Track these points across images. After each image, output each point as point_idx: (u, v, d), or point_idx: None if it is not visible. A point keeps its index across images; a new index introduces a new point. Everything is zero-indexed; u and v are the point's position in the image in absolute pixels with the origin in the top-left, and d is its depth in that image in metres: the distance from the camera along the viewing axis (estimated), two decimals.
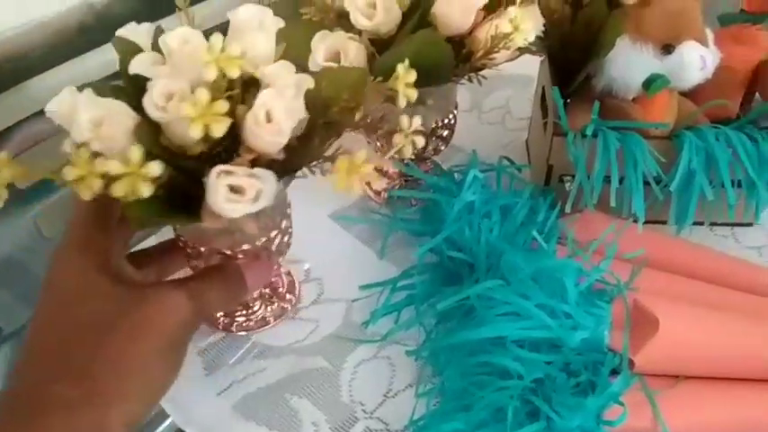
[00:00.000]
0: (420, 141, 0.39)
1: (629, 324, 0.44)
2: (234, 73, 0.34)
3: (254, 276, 0.43)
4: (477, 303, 0.45)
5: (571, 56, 0.56)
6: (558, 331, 0.43)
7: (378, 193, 0.62)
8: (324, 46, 0.48)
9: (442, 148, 0.59)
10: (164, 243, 0.45)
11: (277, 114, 0.36)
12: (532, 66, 0.62)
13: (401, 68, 0.40)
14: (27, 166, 0.35)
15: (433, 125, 0.57)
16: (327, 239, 0.59)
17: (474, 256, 0.49)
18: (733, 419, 0.44)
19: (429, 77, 0.48)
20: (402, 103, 0.39)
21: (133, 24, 0.42)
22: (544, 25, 0.51)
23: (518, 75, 0.71)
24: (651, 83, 0.51)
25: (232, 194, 0.36)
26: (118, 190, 0.33)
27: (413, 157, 0.57)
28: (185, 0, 0.41)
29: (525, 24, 0.44)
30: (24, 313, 0.60)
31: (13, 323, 0.60)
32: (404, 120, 0.39)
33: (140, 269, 0.41)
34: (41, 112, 0.37)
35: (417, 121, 0.39)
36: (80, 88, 0.38)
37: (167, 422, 0.61)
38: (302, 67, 0.40)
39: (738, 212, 0.54)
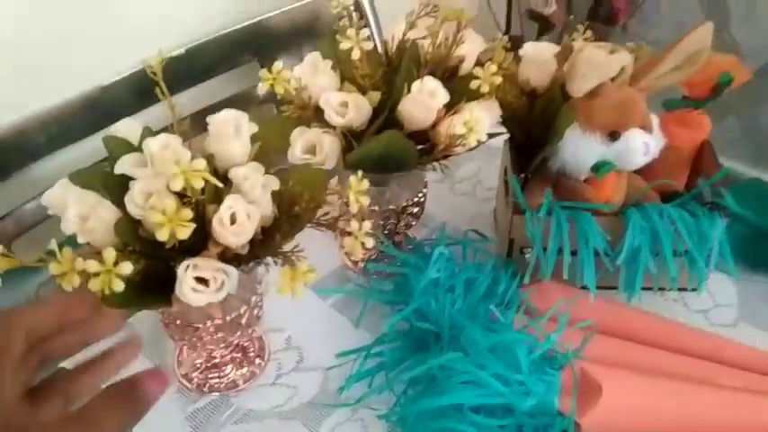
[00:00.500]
0: (369, 242, 0.45)
1: (576, 390, 0.49)
2: (198, 184, 0.39)
3: (154, 390, 0.40)
4: (439, 373, 0.50)
5: (530, 140, 0.62)
6: (511, 397, 0.48)
7: (355, 263, 0.67)
8: (302, 140, 0.53)
9: (413, 223, 0.64)
10: (68, 371, 0.42)
11: (241, 217, 0.42)
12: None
13: (353, 180, 0.45)
14: (18, 257, 0.40)
15: (405, 203, 0.62)
16: (306, 308, 0.63)
17: (439, 326, 0.54)
18: None
19: (396, 166, 0.54)
20: (354, 208, 0.44)
21: (126, 121, 0.48)
22: (504, 114, 0.57)
23: (489, 146, 0.76)
24: (599, 168, 0.56)
25: (198, 285, 0.42)
26: (94, 285, 0.38)
27: (386, 233, 0.63)
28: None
29: (479, 126, 0.50)
30: None
31: None
32: (354, 224, 0.44)
33: (44, 402, 0.39)
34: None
35: (367, 225, 0.45)
36: (72, 175, 0.44)
37: None
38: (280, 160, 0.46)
39: (684, 280, 0.59)
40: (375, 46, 0.55)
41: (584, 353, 0.52)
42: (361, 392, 0.56)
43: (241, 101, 0.77)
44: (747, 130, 0.96)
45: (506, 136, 0.64)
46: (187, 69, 0.72)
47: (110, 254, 0.39)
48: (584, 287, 0.58)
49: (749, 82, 0.61)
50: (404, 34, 0.58)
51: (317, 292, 0.65)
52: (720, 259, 0.59)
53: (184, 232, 0.40)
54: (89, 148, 0.67)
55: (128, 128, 0.47)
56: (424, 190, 0.63)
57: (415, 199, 0.62)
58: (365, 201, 0.46)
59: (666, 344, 0.57)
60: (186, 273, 0.42)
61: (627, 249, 0.56)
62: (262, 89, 0.52)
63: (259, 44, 0.77)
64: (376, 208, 0.61)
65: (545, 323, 0.54)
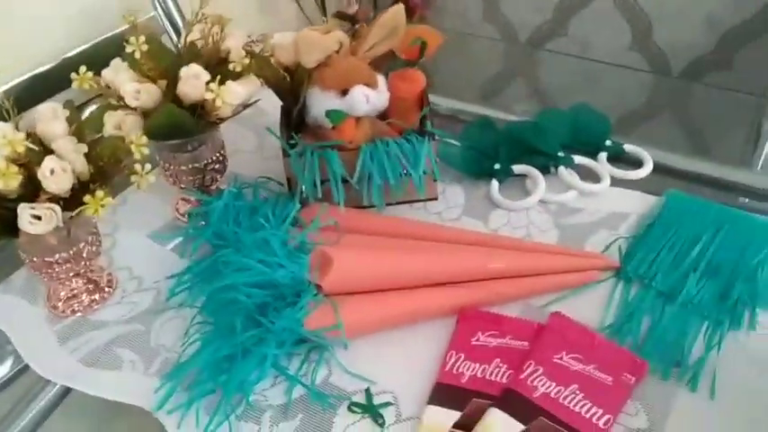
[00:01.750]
0: (151, 178, 0.67)
1: (318, 264, 0.71)
2: (20, 149, 0.60)
3: None
4: (222, 267, 0.72)
5: (295, 104, 0.84)
6: (272, 274, 0.70)
7: (183, 214, 0.88)
8: (110, 120, 0.75)
9: (219, 177, 0.86)
10: None
11: (57, 171, 0.63)
12: None
13: (134, 137, 0.67)
14: None
15: (207, 161, 0.83)
16: (149, 253, 0.84)
17: (229, 241, 0.76)
18: (384, 312, 0.71)
19: (181, 132, 0.76)
20: (136, 155, 0.66)
21: None
22: (271, 87, 0.80)
23: None
24: (331, 116, 0.79)
25: (34, 219, 0.63)
26: None
27: (196, 186, 0.85)
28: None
29: (225, 94, 0.72)
30: None
31: None
32: (137, 166, 0.66)
33: None
34: None
35: (148, 167, 0.66)
36: None
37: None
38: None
39: (431, 191, 0.82)
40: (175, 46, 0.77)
41: (328, 243, 0.74)
42: (182, 299, 0.77)
43: None
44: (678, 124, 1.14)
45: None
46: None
47: None
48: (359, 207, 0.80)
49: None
50: (185, 36, 0.80)
51: (154, 239, 0.86)
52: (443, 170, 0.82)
53: (15, 181, 0.62)
54: None
55: None
56: (223, 151, 0.85)
57: (215, 158, 0.84)
58: (145, 150, 0.67)
59: (403, 233, 0.81)
60: (24, 211, 0.64)
61: (359, 173, 0.79)
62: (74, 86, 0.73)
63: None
64: (185, 167, 0.83)
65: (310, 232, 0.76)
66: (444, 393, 0.65)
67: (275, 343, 0.67)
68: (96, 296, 0.78)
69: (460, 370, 0.67)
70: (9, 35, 0.88)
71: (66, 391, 0.72)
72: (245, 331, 0.67)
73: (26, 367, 0.73)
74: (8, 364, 0.75)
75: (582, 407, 0.62)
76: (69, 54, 0.94)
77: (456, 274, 0.74)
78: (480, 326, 0.70)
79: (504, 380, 0.65)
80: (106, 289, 0.79)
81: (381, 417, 0.65)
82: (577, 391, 0.63)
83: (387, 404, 0.66)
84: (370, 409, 0.66)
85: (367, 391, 0.67)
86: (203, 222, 0.83)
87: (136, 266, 0.83)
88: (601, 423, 0.61)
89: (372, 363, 0.69)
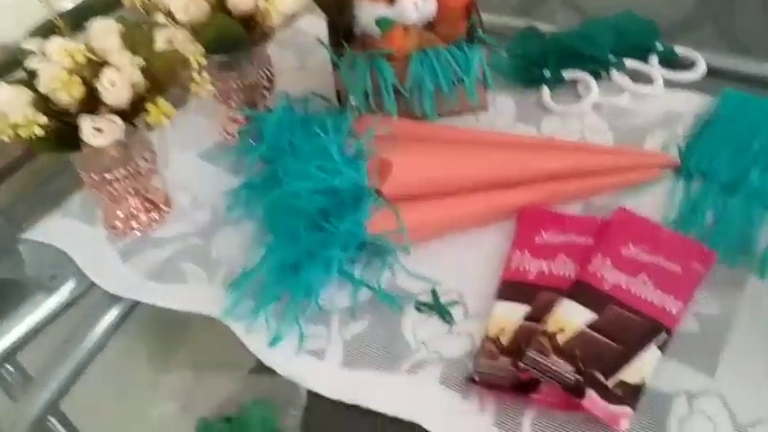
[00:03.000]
0: (209, 86, 0.66)
1: (377, 170, 0.71)
2: (80, 59, 0.60)
3: None
4: (282, 175, 0.72)
5: (341, 17, 0.83)
6: (331, 181, 0.70)
7: (231, 134, 0.88)
8: (161, 36, 0.74)
9: (267, 95, 0.86)
10: None
11: (118, 83, 0.63)
12: None
13: (193, 49, 0.66)
14: None
15: (254, 79, 0.83)
16: (202, 173, 0.85)
17: (284, 153, 0.76)
18: (445, 215, 0.71)
19: (233, 45, 0.75)
20: (194, 64, 0.66)
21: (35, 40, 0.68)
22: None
23: None
24: (380, 24, 0.78)
25: (96, 131, 0.63)
26: (24, 132, 0.59)
27: (246, 105, 0.84)
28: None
29: (278, 5, 0.71)
30: None
31: None
32: (196, 75, 0.66)
33: None
34: None
35: (207, 76, 0.66)
36: None
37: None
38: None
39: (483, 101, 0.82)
40: None
41: (385, 150, 0.74)
42: (240, 214, 0.77)
43: None
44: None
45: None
46: None
47: (28, 111, 0.60)
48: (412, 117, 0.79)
49: None
50: None
51: (205, 158, 0.86)
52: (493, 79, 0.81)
53: (78, 90, 0.62)
54: None
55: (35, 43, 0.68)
56: (270, 68, 0.85)
57: (263, 74, 0.83)
58: (203, 60, 0.67)
59: (461, 138, 0.80)
60: (86, 122, 0.64)
61: (411, 80, 0.78)
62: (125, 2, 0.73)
63: None
64: (234, 85, 0.82)
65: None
66: (512, 289, 0.65)
67: (339, 246, 0.68)
68: (155, 215, 0.79)
69: (526, 267, 0.67)
70: None
71: (130, 309, 0.73)
72: (309, 236, 0.68)
73: (88, 288, 0.74)
74: (69, 286, 0.76)
75: (653, 295, 0.62)
76: None
77: (515, 175, 0.73)
78: (542, 224, 0.70)
79: (570, 275, 0.65)
80: (164, 207, 0.80)
81: (449, 314, 0.65)
82: (647, 280, 0.63)
83: (453, 303, 0.66)
84: (438, 308, 0.66)
85: (433, 291, 0.67)
86: (254, 141, 0.82)
87: (190, 185, 0.83)
88: (673, 311, 0.60)
89: (435, 265, 0.70)
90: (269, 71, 0.85)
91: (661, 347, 0.58)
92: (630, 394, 0.55)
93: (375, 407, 0.60)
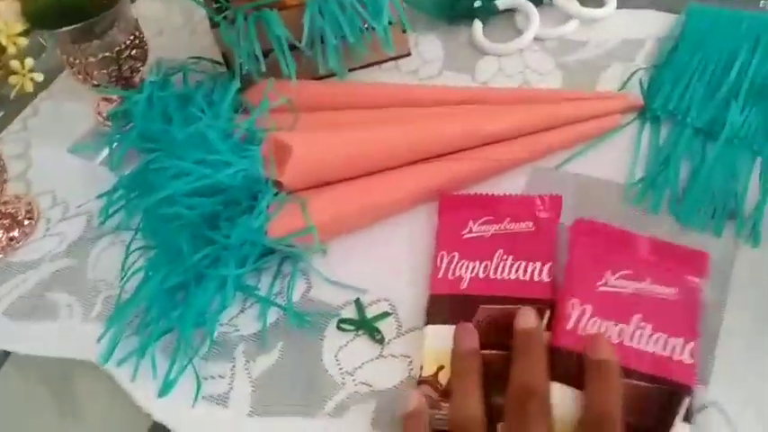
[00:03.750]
0: (39, 77, 0.50)
1: (273, 155, 0.57)
2: None
3: None
4: (153, 175, 0.57)
5: None
6: (216, 176, 0.55)
7: (106, 118, 0.72)
8: None
9: (140, 66, 0.70)
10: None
11: None
12: None
13: (2, 24, 0.50)
14: None
15: (119, 47, 0.67)
16: (72, 170, 0.69)
17: (160, 143, 0.61)
18: (362, 204, 0.57)
19: (75, 13, 0.59)
20: (11, 50, 0.50)
21: None
22: None
23: None
24: None
25: None
26: None
27: (113, 81, 0.68)
28: None
29: None
30: None
31: None
32: (14, 63, 0.50)
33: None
34: None
35: (30, 62, 0.50)
36: None
37: None
38: None
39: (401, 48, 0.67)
40: None
41: (282, 128, 0.59)
42: (118, 221, 0.63)
43: None
44: None
45: None
46: None
47: None
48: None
49: None
50: None
51: (77, 153, 0.71)
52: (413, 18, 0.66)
53: None
54: None
55: None
56: (138, 32, 0.68)
57: (130, 41, 0.67)
58: (22, 42, 0.51)
59: (377, 101, 0.66)
60: None
61: (308, 33, 0.63)
62: None
63: None
64: (93, 59, 0.66)
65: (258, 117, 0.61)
66: (443, 307, 0.51)
67: (235, 261, 0.54)
68: (15, 232, 0.64)
69: (457, 273, 0.53)
70: None
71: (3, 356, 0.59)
72: (195, 252, 0.54)
73: None
74: None
75: (655, 344, 0.46)
76: None
77: (444, 144, 0.59)
78: (469, 213, 0.56)
79: (512, 275, 0.52)
80: (26, 222, 0.65)
81: (379, 331, 0.53)
82: (644, 324, 0.47)
83: (384, 315, 0.54)
84: (365, 324, 0.53)
85: (357, 302, 0.55)
86: (127, 125, 0.67)
87: (59, 189, 0.68)
88: (685, 356, 0.46)
89: (359, 268, 0.57)
90: (136, 36, 0.68)
91: (687, 417, 0.43)
92: None
93: None
